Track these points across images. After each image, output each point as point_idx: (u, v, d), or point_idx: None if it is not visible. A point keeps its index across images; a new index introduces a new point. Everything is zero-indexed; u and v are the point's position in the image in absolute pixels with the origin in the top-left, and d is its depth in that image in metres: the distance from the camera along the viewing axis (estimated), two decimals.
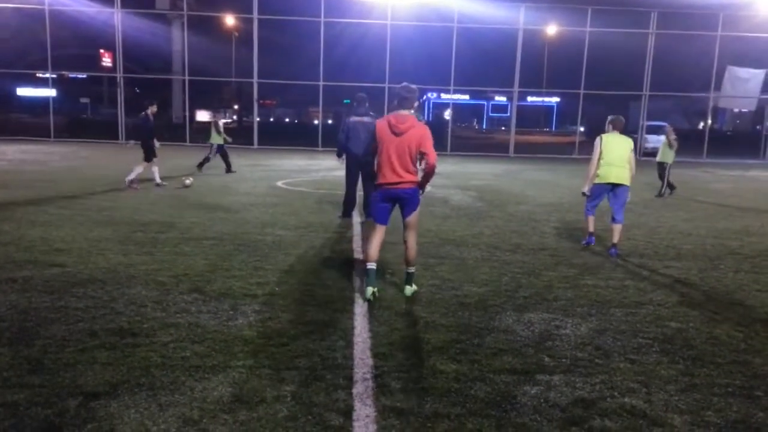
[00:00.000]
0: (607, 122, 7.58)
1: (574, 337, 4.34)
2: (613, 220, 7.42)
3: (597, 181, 7.46)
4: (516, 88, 29.39)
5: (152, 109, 12.28)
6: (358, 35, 31.00)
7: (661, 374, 3.75)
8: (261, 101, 30.36)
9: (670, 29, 29.16)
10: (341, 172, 9.56)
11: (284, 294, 5.13)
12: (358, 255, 6.71)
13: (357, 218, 9.04)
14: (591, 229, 7.71)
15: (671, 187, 13.48)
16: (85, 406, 3.06)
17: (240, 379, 3.44)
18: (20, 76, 40.89)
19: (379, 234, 5.23)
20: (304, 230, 8.03)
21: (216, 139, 15.47)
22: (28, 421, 2.89)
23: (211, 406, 3.12)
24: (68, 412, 2.99)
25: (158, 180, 12.21)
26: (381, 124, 5.11)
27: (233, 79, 41.06)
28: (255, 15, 27.98)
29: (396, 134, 5.01)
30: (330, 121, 32.60)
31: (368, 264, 5.12)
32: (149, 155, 12.06)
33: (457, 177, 16.76)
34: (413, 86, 5.15)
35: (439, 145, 28.16)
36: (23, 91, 48.38)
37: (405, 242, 5.28)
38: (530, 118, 55.10)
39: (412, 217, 5.24)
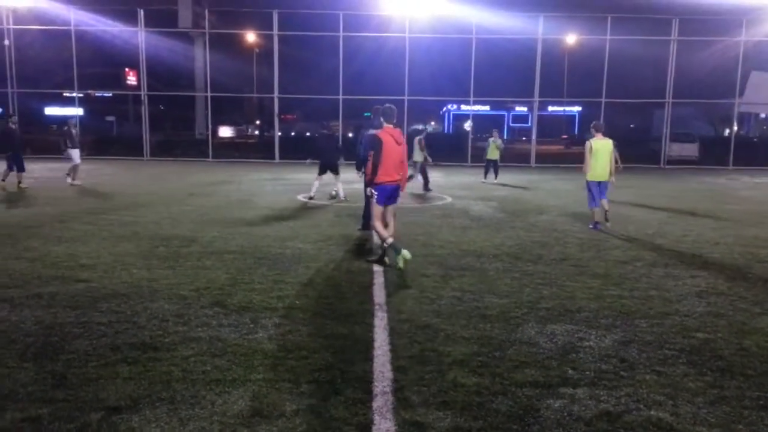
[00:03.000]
0: (591, 127, 9.77)
1: (598, 349, 4.26)
2: (601, 197, 9.62)
3: (589, 179, 9.60)
4: (536, 98, 29.24)
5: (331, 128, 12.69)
6: (376, 48, 31.26)
7: (688, 386, 3.65)
8: (282, 116, 30.65)
9: (692, 35, 28.81)
10: (360, 185, 9.58)
11: (304, 307, 5.14)
12: (377, 267, 6.69)
13: None
14: (597, 218, 9.64)
15: None
16: (107, 420, 3.08)
17: (260, 393, 3.44)
18: (48, 96, 41.96)
19: (384, 216, 6.87)
20: (323, 243, 8.04)
21: (418, 157, 15.48)
22: None
23: (231, 420, 3.12)
24: (90, 426, 3.01)
25: (341, 195, 12.86)
26: (386, 137, 6.69)
27: (254, 95, 41.60)
28: (275, 31, 28.36)
29: (398, 143, 6.77)
30: (350, 134, 32.71)
31: (389, 240, 6.69)
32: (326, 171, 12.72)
33: (478, 187, 16.69)
34: (392, 106, 6.92)
35: (460, 156, 28.20)
36: (51, 110, 49.55)
37: (388, 223, 6.93)
38: (551, 128, 54.83)
39: (396, 205, 7.08)
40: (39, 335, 4.31)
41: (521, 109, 65.01)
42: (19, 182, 14.30)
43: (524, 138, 51.48)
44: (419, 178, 15.48)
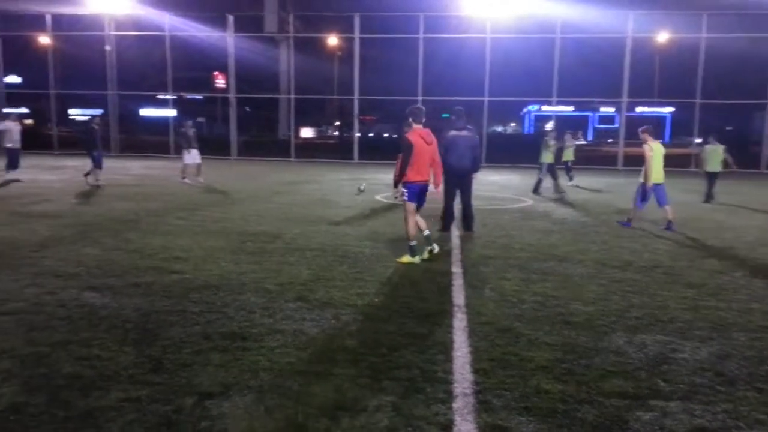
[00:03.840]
0: (645, 132, 9.73)
1: (692, 362, 4.03)
2: (663, 203, 9.75)
3: (654, 181, 9.56)
4: (625, 99, 28.06)
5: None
6: (455, 49, 31.03)
7: None
8: (361, 117, 31.09)
9: None
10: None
11: (383, 305, 5.19)
12: (457, 269, 6.65)
13: (455, 231, 8.98)
14: (631, 216, 9.94)
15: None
16: (200, 404, 3.24)
17: (342, 387, 3.51)
18: (143, 98, 44.62)
19: (416, 215, 7.03)
20: (402, 243, 8.05)
21: (547, 158, 15.28)
22: (149, 416, 3.11)
23: (315, 411, 3.20)
24: (185, 410, 3.18)
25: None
26: (416, 138, 6.77)
27: (335, 97, 42.38)
28: (357, 34, 28.80)
29: (428, 144, 6.87)
30: None
31: (425, 231, 7.08)
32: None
33: (570, 190, 16.20)
34: (421, 106, 7.07)
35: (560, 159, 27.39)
36: (146, 112, 52.65)
37: (418, 220, 7.07)
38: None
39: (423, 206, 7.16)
40: (137, 322, 4.59)
41: (608, 110, 62.55)
42: (87, 176, 15.22)
43: (610, 140, 49.49)
44: (545, 179, 15.07)
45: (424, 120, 6.97)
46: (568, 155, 17.88)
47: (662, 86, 42.15)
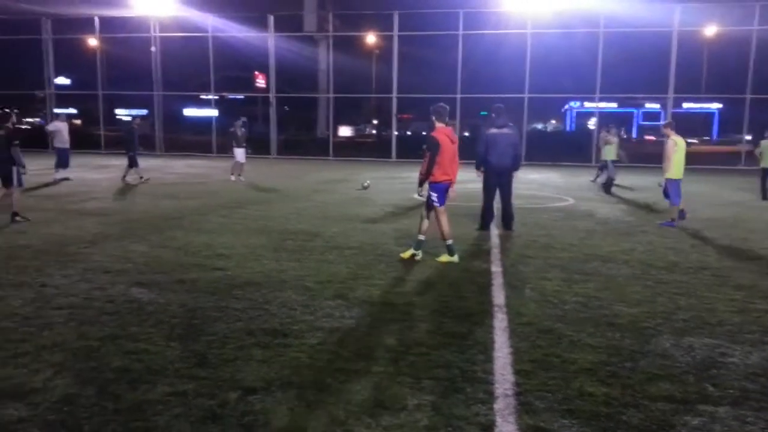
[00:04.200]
0: (669, 126, 9.87)
1: (743, 367, 3.90)
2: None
3: (678, 177, 9.61)
4: (671, 94, 27.26)
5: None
6: (493, 45, 30.65)
7: None
8: (399, 115, 31.08)
9: None
10: (476, 185, 9.49)
11: (422, 305, 5.18)
12: (496, 268, 6.59)
13: (494, 230, 8.90)
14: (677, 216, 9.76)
15: None
16: (243, 399, 3.31)
17: (382, 385, 3.52)
18: (186, 98, 45.63)
19: (447, 215, 7.00)
20: (441, 242, 8.04)
21: (610, 155, 15.20)
22: (195, 410, 3.19)
23: (356, 408, 3.22)
24: (229, 404, 3.25)
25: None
26: (442, 137, 6.74)
27: (373, 95, 42.48)
28: (395, 32, 28.79)
29: (453, 143, 6.88)
30: (466, 134, 32.42)
31: (448, 241, 6.89)
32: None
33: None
34: (444, 104, 6.98)
35: (585, 156, 26.96)
36: (189, 112, 53.85)
37: (423, 217, 7.06)
38: (686, 127, 50.78)
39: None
40: (183, 317, 4.71)
41: (652, 106, 60.87)
42: (124, 177, 15.66)
43: (655, 138, 48.14)
44: (603, 176, 14.91)
45: (447, 119, 6.95)
46: (609, 154, 17.53)
47: (710, 81, 40.78)
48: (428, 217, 7.03)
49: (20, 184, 9.27)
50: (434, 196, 6.87)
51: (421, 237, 6.96)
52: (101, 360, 3.83)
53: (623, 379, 3.67)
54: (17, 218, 9.03)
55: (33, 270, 6.12)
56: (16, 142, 9.05)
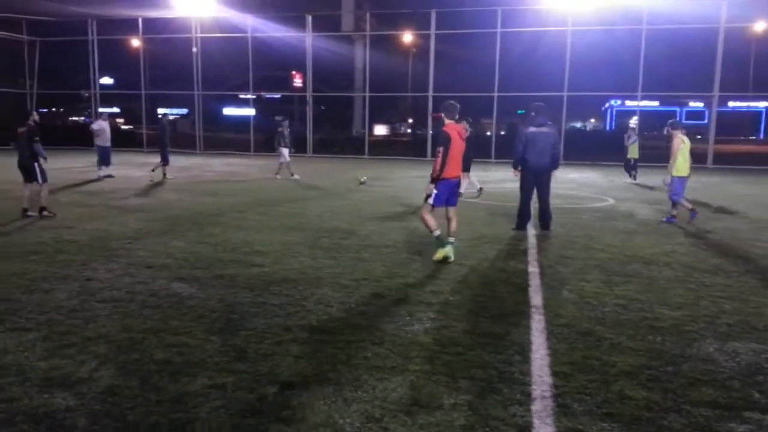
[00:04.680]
0: (673, 126, 10.07)
1: None
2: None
3: (683, 174, 9.81)
4: (716, 93, 26.44)
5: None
6: (531, 43, 30.26)
7: None
8: (434, 114, 30.99)
9: None
10: (513, 184, 9.39)
11: (458, 304, 5.16)
12: (533, 268, 6.51)
13: (531, 230, 8.79)
14: (690, 206, 9.81)
15: None
16: (281, 393, 3.35)
17: (417, 383, 3.52)
18: (225, 97, 46.44)
19: (433, 212, 6.81)
20: (476, 241, 8.00)
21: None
22: (234, 403, 3.25)
23: (392, 406, 3.23)
24: (267, 398, 3.30)
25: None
26: (453, 134, 6.68)
27: (409, 94, 42.45)
28: (432, 30, 28.71)
29: (462, 139, 6.84)
30: (503, 132, 32.11)
31: (436, 231, 6.77)
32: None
33: (644, 189, 15.52)
34: (455, 102, 6.90)
35: (624, 155, 26.31)
36: (228, 111, 54.82)
37: (449, 219, 6.90)
38: (732, 126, 49.21)
39: (456, 204, 6.99)
40: (222, 312, 4.80)
41: (696, 104, 59.18)
42: (164, 174, 16.01)
43: (699, 136, 46.87)
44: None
45: (457, 116, 6.90)
46: (633, 152, 17.17)
47: (758, 79, 39.39)
48: (453, 217, 6.95)
49: (45, 179, 9.52)
50: (435, 193, 6.74)
51: (437, 232, 6.84)
52: (144, 352, 3.94)
53: (665, 384, 3.58)
54: (44, 213, 9.35)
55: (78, 264, 6.32)
56: (37, 138, 9.36)
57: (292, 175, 16.71)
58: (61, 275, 5.87)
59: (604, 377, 3.66)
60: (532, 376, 3.66)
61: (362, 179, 15.61)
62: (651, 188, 15.56)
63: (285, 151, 16.86)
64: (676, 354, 4.07)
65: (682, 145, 9.69)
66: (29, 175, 9.48)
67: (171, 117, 18.30)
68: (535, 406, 3.27)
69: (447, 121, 6.78)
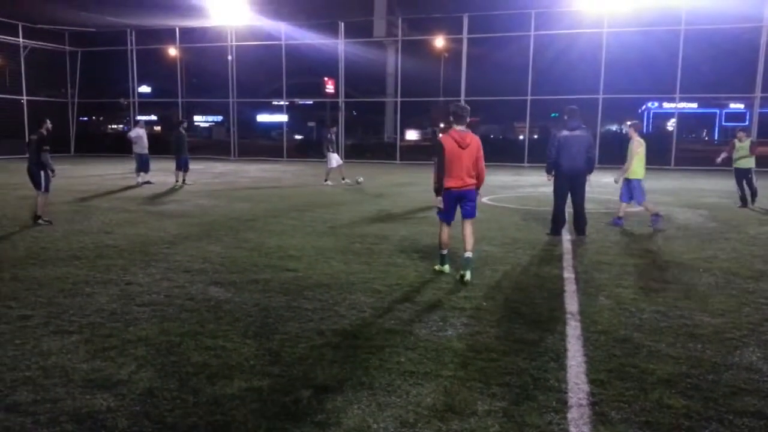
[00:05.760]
0: (634, 127, 10.07)
1: None
2: (630, 200, 9.81)
3: (640, 177, 9.63)
4: (758, 93, 25.64)
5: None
6: (565, 45, 29.85)
7: None
8: (470, 120, 30.86)
9: None
10: (547, 188, 9.29)
11: (491, 309, 5.12)
12: (569, 274, 6.42)
13: (566, 236, 8.67)
14: (655, 210, 9.76)
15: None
16: (316, 397, 3.39)
17: (451, 389, 3.51)
18: (258, 104, 47.10)
19: (447, 229, 6.44)
20: (510, 246, 7.93)
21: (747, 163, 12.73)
22: (270, 405, 3.29)
23: (425, 411, 3.23)
24: (302, 402, 3.33)
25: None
26: (448, 141, 6.12)
27: (441, 99, 42.39)
28: (465, 35, 28.61)
29: (462, 148, 6.11)
30: (536, 136, 31.74)
31: (442, 251, 6.46)
32: None
33: (684, 193, 15.15)
34: (466, 105, 6.30)
35: (663, 159, 25.78)
36: (261, 117, 55.58)
37: (465, 231, 6.34)
38: None
39: (472, 215, 6.39)
40: (257, 316, 4.87)
41: (737, 106, 57.54)
42: (184, 180, 16.25)
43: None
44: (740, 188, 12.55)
45: (468, 120, 6.24)
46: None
47: None
48: (466, 230, 6.35)
49: (47, 189, 9.56)
50: (439, 207, 6.35)
51: (444, 251, 6.45)
52: (181, 355, 4.02)
53: (705, 392, 3.49)
54: (40, 221, 9.37)
55: (119, 268, 6.50)
56: (47, 147, 9.43)
57: (343, 179, 16.94)
58: (102, 279, 6.03)
59: (642, 385, 3.59)
60: (568, 384, 3.61)
61: (359, 180, 16.71)
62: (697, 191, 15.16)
63: (334, 156, 17.11)
64: (717, 362, 3.96)
65: (640, 148, 9.60)
66: (33, 181, 9.53)
67: (185, 124, 18.50)
68: (572, 414, 3.22)
69: (455, 127, 6.17)
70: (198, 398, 3.38)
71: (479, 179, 6.32)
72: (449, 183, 6.18)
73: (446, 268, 6.45)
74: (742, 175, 12.65)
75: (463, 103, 6.26)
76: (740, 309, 5.16)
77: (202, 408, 3.26)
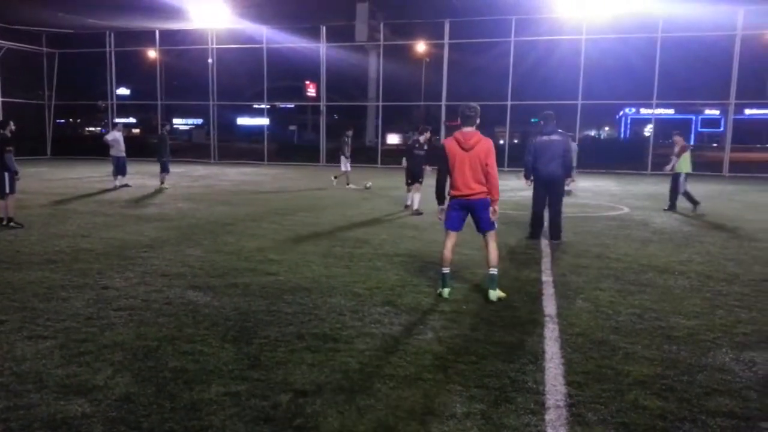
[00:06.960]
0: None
1: None
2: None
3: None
4: (732, 100, 26.20)
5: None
6: (545, 51, 30.20)
7: None
8: (447, 122, 31.00)
9: None
10: (526, 193, 9.37)
11: (471, 312, 5.15)
12: (547, 277, 6.49)
13: (545, 240, 8.76)
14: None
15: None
16: (294, 401, 3.37)
17: (431, 392, 3.52)
18: (239, 107, 46.82)
19: (451, 239, 5.76)
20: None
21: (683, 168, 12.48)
22: (248, 410, 3.27)
23: (404, 414, 3.24)
24: (281, 406, 3.32)
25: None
26: (450, 143, 5.63)
27: (422, 103, 42.51)
28: (446, 40, 28.78)
29: (465, 150, 5.52)
30: (516, 141, 32.03)
31: (444, 269, 5.69)
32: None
33: (660, 197, 15.36)
34: (475, 105, 5.66)
35: (638, 164, 26.21)
36: (242, 120, 55.29)
37: (486, 246, 5.69)
38: (748, 134, 48.76)
39: (488, 228, 5.67)
40: (236, 320, 4.84)
41: (712, 112, 58.67)
42: (162, 182, 16.23)
43: (715, 144, 46.42)
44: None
45: (477, 121, 5.63)
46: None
47: None
48: (489, 244, 5.70)
49: (12, 191, 9.38)
50: (441, 215, 5.95)
51: (446, 270, 5.73)
52: (159, 360, 3.98)
53: (680, 393, 3.55)
54: (11, 224, 9.24)
55: (95, 272, 6.41)
56: (10, 148, 9.25)
57: (348, 184, 17.05)
58: (78, 283, 5.95)
59: (619, 386, 3.64)
60: (546, 386, 3.64)
61: (368, 185, 16.83)
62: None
63: (346, 161, 17.13)
64: (691, 363, 4.03)
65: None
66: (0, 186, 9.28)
67: (168, 127, 18.45)
68: (549, 416, 3.25)
69: (464, 129, 5.60)
70: (175, 403, 3.34)
71: (490, 186, 5.54)
72: (453, 191, 5.62)
73: (445, 291, 5.61)
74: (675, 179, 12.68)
75: (472, 104, 5.66)
76: (714, 311, 5.26)
77: (180, 413, 3.23)
